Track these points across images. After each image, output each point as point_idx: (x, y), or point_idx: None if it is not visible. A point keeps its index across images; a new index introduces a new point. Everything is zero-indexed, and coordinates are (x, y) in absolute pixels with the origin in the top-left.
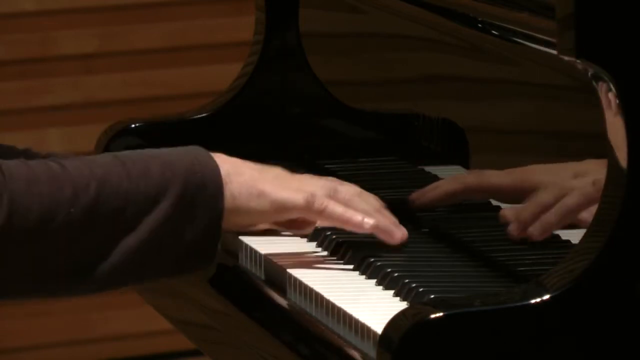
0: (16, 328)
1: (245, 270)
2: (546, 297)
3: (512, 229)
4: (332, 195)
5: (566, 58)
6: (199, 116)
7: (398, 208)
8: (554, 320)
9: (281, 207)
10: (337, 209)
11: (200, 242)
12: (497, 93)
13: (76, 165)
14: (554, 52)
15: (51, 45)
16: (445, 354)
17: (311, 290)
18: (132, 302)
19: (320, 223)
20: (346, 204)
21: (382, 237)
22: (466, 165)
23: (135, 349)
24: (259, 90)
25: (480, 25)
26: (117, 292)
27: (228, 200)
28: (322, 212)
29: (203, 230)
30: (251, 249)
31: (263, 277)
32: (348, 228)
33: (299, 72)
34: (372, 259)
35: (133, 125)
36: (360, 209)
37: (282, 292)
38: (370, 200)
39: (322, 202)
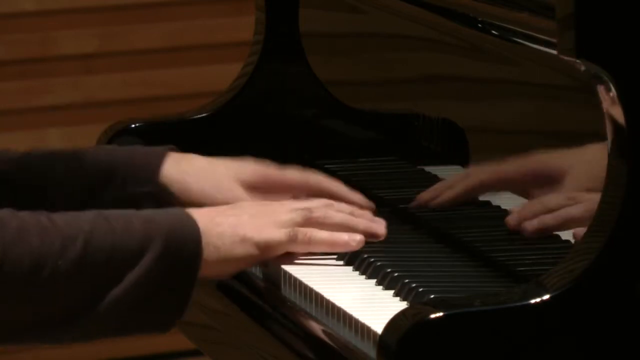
0: None
1: (244, 270)
2: (546, 297)
3: (510, 218)
4: (309, 218)
5: (566, 58)
6: (199, 116)
7: (398, 208)
8: (554, 320)
9: (266, 247)
10: (321, 235)
11: (174, 302)
12: (497, 93)
13: (64, 219)
14: (554, 52)
15: (51, 45)
16: (445, 354)
17: (311, 290)
18: None
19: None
20: (324, 222)
21: (369, 239)
22: (466, 165)
23: (135, 349)
24: (259, 90)
25: (480, 25)
26: None
27: (211, 254)
28: (308, 243)
29: (178, 290)
30: None
31: (262, 277)
32: (337, 250)
33: (299, 72)
34: (372, 259)
35: (133, 125)
36: (338, 221)
37: (282, 292)
38: (342, 207)
39: (305, 233)
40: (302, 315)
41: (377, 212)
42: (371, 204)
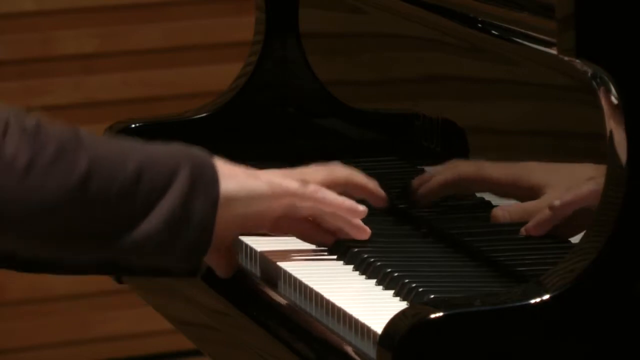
0: (16, 328)
1: (244, 270)
2: (546, 297)
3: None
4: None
5: (566, 58)
6: (199, 116)
7: (398, 208)
8: (554, 320)
9: (277, 188)
10: (332, 195)
11: (198, 230)
12: (497, 93)
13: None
14: (554, 52)
15: (51, 45)
16: (445, 354)
17: (311, 290)
18: (132, 302)
19: (311, 209)
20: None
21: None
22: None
23: (135, 349)
24: (259, 91)
25: (480, 25)
26: (117, 292)
27: (228, 184)
28: (317, 195)
29: (203, 216)
30: (250, 248)
31: (262, 276)
32: (341, 212)
33: (299, 72)
34: (372, 259)
35: (133, 125)
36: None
37: (282, 292)
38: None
39: (317, 187)
40: (301, 315)
41: (377, 212)
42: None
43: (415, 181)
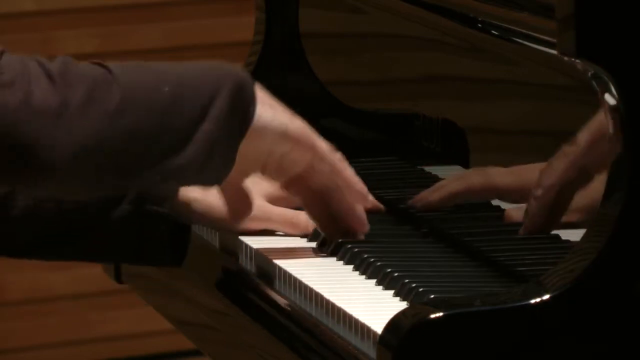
0: (16, 328)
1: (244, 270)
2: (546, 297)
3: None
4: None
5: (566, 58)
6: None
7: (398, 208)
8: (554, 320)
9: (307, 137)
10: (349, 169)
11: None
12: (497, 93)
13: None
14: (554, 52)
15: (51, 45)
16: (445, 354)
17: (311, 290)
18: (132, 302)
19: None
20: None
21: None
22: (466, 165)
23: (135, 349)
24: None
25: (480, 25)
26: (117, 292)
27: (264, 111)
28: (335, 164)
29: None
30: (249, 247)
31: (261, 276)
32: (351, 193)
33: (299, 72)
34: (372, 259)
35: None
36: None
37: (282, 292)
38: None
39: (339, 156)
40: (301, 315)
41: (377, 212)
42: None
43: (421, 195)
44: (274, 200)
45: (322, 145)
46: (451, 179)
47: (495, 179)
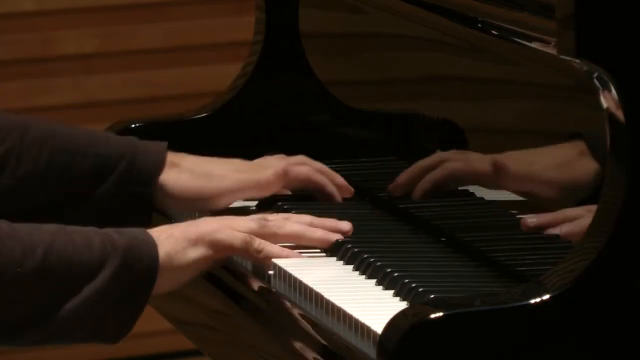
0: None
1: (244, 270)
2: (546, 297)
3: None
4: (264, 225)
5: (566, 58)
6: (199, 116)
7: (398, 208)
8: (554, 320)
9: (220, 246)
10: (272, 248)
11: (127, 314)
12: (497, 93)
13: (26, 229)
14: (554, 52)
15: (51, 45)
16: (445, 354)
17: (311, 290)
18: None
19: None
20: (278, 232)
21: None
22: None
23: (135, 349)
24: (259, 90)
25: (480, 25)
26: None
27: (166, 263)
28: (259, 253)
29: (133, 303)
30: None
31: (261, 277)
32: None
33: (299, 72)
34: (372, 259)
35: (133, 125)
36: (293, 232)
37: (282, 292)
38: (301, 218)
39: (260, 243)
40: (301, 315)
41: (377, 212)
42: (350, 189)
43: (404, 177)
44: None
45: (246, 223)
46: (427, 165)
47: (474, 164)
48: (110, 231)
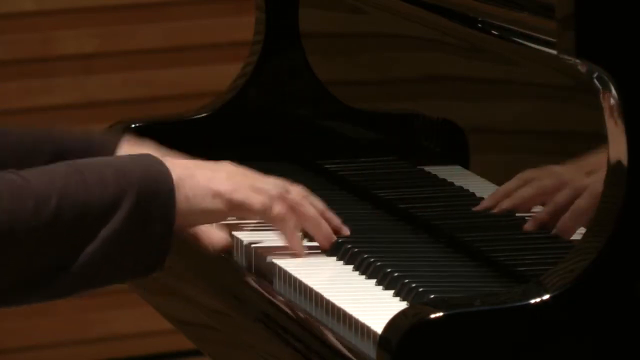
0: (16, 328)
1: (244, 270)
2: (546, 297)
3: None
4: (284, 196)
5: (566, 58)
6: (199, 116)
7: (398, 208)
8: (554, 320)
9: (237, 207)
10: (290, 225)
11: (153, 250)
12: (497, 93)
13: (37, 176)
14: (554, 52)
15: (51, 45)
16: (445, 354)
17: (311, 290)
18: (132, 302)
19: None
20: (296, 208)
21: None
22: (466, 165)
23: (135, 349)
24: (259, 90)
25: (480, 25)
26: (117, 292)
27: (182, 203)
28: (278, 221)
29: (156, 239)
30: (249, 247)
31: (261, 276)
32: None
33: (299, 72)
34: (372, 259)
35: (133, 125)
36: (309, 214)
37: (282, 292)
38: (317, 204)
39: (280, 212)
40: (301, 315)
41: (377, 212)
42: (346, 231)
43: (490, 202)
44: None
45: (268, 186)
46: (518, 183)
47: (566, 178)
48: (125, 162)
